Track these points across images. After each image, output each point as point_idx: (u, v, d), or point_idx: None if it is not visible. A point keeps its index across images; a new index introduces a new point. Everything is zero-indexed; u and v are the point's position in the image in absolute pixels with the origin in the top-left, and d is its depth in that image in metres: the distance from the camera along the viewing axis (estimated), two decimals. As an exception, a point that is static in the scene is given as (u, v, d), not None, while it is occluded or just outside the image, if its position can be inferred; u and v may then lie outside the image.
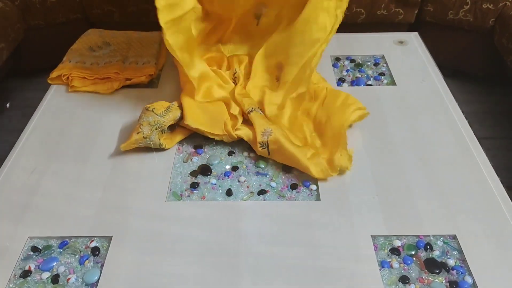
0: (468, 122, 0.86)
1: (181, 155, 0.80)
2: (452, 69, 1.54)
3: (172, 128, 0.82)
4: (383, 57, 1.04)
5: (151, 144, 0.78)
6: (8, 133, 1.44)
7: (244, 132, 0.80)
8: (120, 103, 0.91)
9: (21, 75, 1.65)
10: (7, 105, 1.57)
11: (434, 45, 1.56)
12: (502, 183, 0.73)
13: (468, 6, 1.41)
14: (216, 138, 0.80)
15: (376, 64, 1.02)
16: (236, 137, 0.80)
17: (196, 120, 0.80)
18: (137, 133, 0.77)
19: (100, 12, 1.53)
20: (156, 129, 0.77)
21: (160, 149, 0.79)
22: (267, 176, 0.76)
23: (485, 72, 1.54)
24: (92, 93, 0.93)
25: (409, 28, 1.53)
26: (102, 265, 0.62)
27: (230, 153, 0.80)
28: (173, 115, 0.80)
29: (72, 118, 0.87)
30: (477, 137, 0.82)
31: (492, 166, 0.76)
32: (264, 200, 0.71)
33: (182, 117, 0.80)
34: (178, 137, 0.82)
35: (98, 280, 0.60)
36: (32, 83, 1.61)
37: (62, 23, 1.54)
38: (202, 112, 0.82)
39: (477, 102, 1.53)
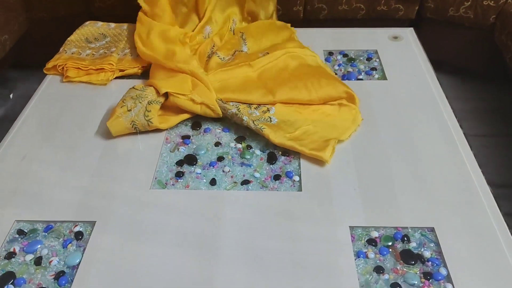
0: (465, 119, 0.86)
1: (169, 145, 0.81)
2: (452, 66, 1.53)
3: (166, 109, 0.84)
4: (376, 52, 1.04)
5: (137, 124, 0.80)
6: (11, 122, 1.47)
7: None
8: (113, 93, 0.92)
9: (24, 67, 1.67)
10: (11, 95, 1.60)
11: (435, 41, 1.55)
12: (498, 180, 0.73)
13: (469, 3, 1.40)
14: (185, 99, 0.83)
15: (368, 59, 1.02)
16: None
17: (165, 85, 0.84)
18: (121, 107, 0.80)
19: (102, 6, 1.55)
20: (140, 102, 0.80)
21: (147, 131, 0.81)
22: (252, 167, 0.77)
23: (485, 69, 1.53)
24: (86, 84, 0.95)
25: (410, 24, 1.52)
26: (84, 249, 0.64)
27: (217, 144, 0.81)
28: (152, 89, 0.83)
29: (65, 107, 0.89)
30: (475, 135, 0.82)
31: (490, 163, 0.76)
32: (247, 190, 0.72)
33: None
34: (173, 118, 0.84)
35: (79, 263, 0.62)
36: (35, 75, 1.63)
37: (65, 17, 1.56)
38: (168, 77, 0.87)
39: (476, 99, 1.52)
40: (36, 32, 1.55)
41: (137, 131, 0.81)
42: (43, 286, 0.60)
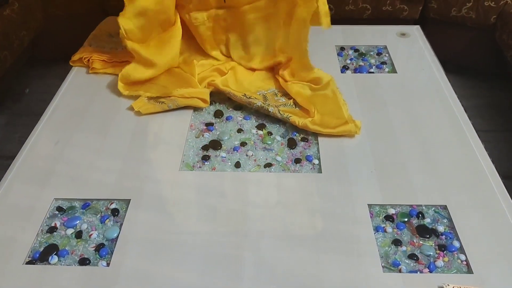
0: (470, 116, 0.91)
1: (194, 131, 0.86)
2: (455, 65, 1.59)
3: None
4: (385, 47, 1.09)
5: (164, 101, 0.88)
6: (27, 117, 1.51)
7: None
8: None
9: (40, 64, 1.72)
10: (27, 91, 1.64)
11: (438, 41, 1.60)
12: (501, 172, 0.78)
13: (471, 3, 1.46)
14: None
15: (378, 54, 1.07)
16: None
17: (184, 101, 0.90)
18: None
19: (116, 4, 1.60)
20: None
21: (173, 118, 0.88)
22: (273, 151, 0.81)
23: (487, 67, 1.59)
24: (112, 75, 1.00)
25: (414, 24, 1.58)
26: (121, 224, 0.68)
27: (239, 131, 0.86)
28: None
29: (93, 96, 0.94)
30: (478, 130, 0.87)
31: (493, 157, 0.81)
32: (270, 172, 0.77)
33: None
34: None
35: (118, 236, 0.66)
36: (51, 71, 1.69)
37: (80, 14, 1.61)
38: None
39: (479, 97, 1.58)
40: (51, 29, 1.59)
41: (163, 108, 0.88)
42: (85, 256, 0.64)
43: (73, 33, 1.37)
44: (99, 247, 0.65)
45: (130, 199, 0.72)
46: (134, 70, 0.92)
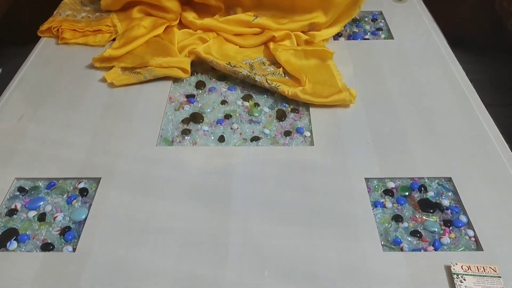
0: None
1: (173, 104, 0.78)
2: (453, 37, 1.52)
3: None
4: (381, 13, 1.01)
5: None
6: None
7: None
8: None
9: (14, 43, 1.62)
10: (0, 70, 1.55)
11: (435, 11, 1.53)
12: None
13: (469, -31, 1.38)
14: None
15: (374, 20, 0.99)
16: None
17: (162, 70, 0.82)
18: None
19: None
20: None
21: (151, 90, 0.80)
22: (260, 124, 0.74)
23: (486, 39, 1.52)
24: (83, 45, 0.91)
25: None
26: (90, 205, 0.61)
27: (223, 102, 0.78)
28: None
29: (62, 68, 0.86)
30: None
31: None
32: (257, 146, 0.70)
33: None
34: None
35: (86, 218, 0.59)
36: (25, 50, 1.59)
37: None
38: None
39: (478, 71, 1.50)
40: (21, 9, 1.49)
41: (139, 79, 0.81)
42: (49, 241, 0.57)
43: (44, 13, 1.27)
44: (64, 231, 0.58)
45: (100, 178, 0.64)
46: (115, 52, 0.85)
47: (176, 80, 0.83)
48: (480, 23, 1.48)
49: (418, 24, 0.97)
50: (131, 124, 0.74)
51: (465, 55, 1.53)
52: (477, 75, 1.45)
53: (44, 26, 0.94)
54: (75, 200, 0.62)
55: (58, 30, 0.93)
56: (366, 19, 1.00)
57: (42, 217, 0.60)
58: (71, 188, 0.64)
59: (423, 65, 0.85)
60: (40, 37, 0.94)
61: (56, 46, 0.92)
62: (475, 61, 1.54)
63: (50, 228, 0.58)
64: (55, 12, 0.99)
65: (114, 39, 0.91)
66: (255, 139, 0.71)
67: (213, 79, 0.84)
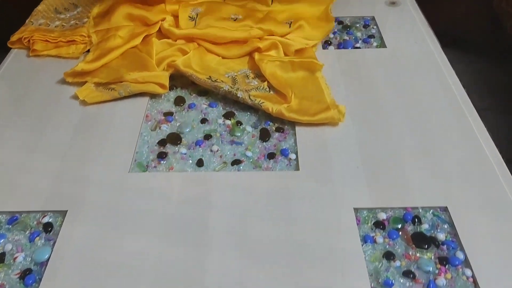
0: (466, 93, 0.79)
1: (149, 123, 0.73)
2: (451, 37, 1.46)
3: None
4: (373, 18, 0.96)
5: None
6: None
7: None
8: (85, 68, 0.83)
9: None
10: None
11: (431, 11, 1.47)
12: (501, 155, 0.67)
13: (467, -32, 1.32)
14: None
15: (365, 26, 0.94)
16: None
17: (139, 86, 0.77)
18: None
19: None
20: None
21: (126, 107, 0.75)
22: (243, 145, 0.69)
23: (484, 39, 1.46)
24: (56, 58, 0.86)
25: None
26: (54, 243, 0.56)
27: (203, 121, 0.73)
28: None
29: (31, 83, 0.80)
30: (476, 109, 0.76)
31: (493, 138, 0.70)
32: (238, 171, 0.65)
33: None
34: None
35: (49, 258, 0.54)
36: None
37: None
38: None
39: (474, 72, 1.45)
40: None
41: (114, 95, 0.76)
42: (7, 287, 0.52)
43: (20, 16, 1.21)
44: (25, 273, 0.53)
45: (67, 210, 0.59)
46: (88, 66, 0.79)
47: (153, 95, 0.77)
48: (477, 23, 1.42)
49: (412, 31, 0.91)
50: (103, 147, 0.68)
51: (462, 56, 1.49)
52: (472, 76, 1.40)
53: (15, 37, 0.88)
54: (38, 237, 0.57)
55: (29, 41, 0.87)
56: (358, 25, 0.94)
57: (1, 258, 0.55)
58: (35, 223, 0.59)
59: (418, 77, 0.80)
60: (10, 48, 0.89)
61: (27, 59, 0.86)
62: (471, 61, 1.48)
63: (9, 271, 0.53)
64: (27, 21, 0.93)
65: (88, 50, 0.86)
66: (236, 162, 0.66)
67: (193, 94, 0.78)
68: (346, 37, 0.91)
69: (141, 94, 0.77)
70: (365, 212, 0.59)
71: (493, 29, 1.38)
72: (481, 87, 1.39)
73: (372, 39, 0.90)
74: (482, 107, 1.33)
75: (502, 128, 1.28)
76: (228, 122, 0.73)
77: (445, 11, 1.43)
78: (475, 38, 1.47)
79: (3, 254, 0.55)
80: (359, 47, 0.88)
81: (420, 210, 0.59)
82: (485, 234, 0.55)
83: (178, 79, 0.81)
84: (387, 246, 0.55)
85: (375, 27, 0.94)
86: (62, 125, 0.72)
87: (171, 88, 0.79)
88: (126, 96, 0.76)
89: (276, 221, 0.58)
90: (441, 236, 0.56)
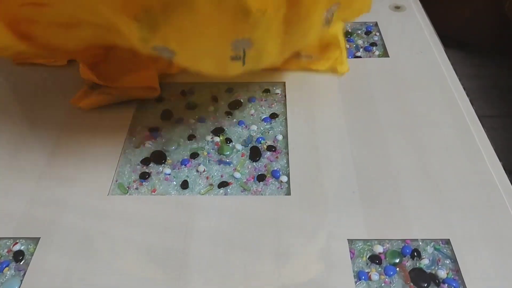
0: (472, 99, 0.74)
1: (133, 139, 0.69)
2: (457, 40, 1.40)
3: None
4: (376, 24, 0.91)
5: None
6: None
7: None
8: (71, 77, 0.78)
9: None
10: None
11: (437, 12, 1.42)
12: (504, 166, 0.62)
13: (477, -32, 1.26)
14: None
15: (367, 33, 0.89)
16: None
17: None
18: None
19: None
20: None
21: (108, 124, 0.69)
22: (231, 165, 0.64)
23: (493, 43, 1.40)
24: (39, 66, 0.81)
25: (410, -7, 1.38)
26: (25, 273, 0.52)
27: (190, 137, 0.69)
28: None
29: (10, 94, 0.76)
30: (480, 115, 0.71)
31: (497, 146, 0.66)
32: (225, 195, 0.61)
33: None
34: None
35: (17, 292, 0.50)
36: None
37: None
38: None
39: (483, 77, 1.39)
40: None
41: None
42: (-30, 324, 0.48)
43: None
44: (-10, 310, 0.49)
45: (39, 238, 0.55)
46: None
47: (139, 108, 0.73)
48: (486, 26, 1.36)
49: (418, 39, 0.86)
50: (83, 166, 0.64)
51: (469, 60, 1.43)
52: (481, 81, 1.34)
53: None
54: (7, 268, 0.53)
55: (12, 47, 0.83)
56: (359, 31, 0.89)
57: (-35, 291, 0.51)
58: (5, 251, 0.55)
59: (421, 91, 0.74)
60: None
61: (11, 67, 0.82)
62: (480, 64, 1.42)
63: (-26, 307, 0.50)
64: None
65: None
66: (223, 184, 0.62)
67: (181, 108, 0.74)
68: (347, 45, 0.86)
69: (127, 106, 0.73)
70: (360, 243, 0.54)
71: (504, 33, 1.32)
72: (486, 93, 1.33)
73: (374, 47, 0.85)
74: (489, 114, 1.27)
75: (505, 135, 1.23)
76: (217, 139, 0.68)
77: (453, 12, 1.38)
78: (483, 42, 1.41)
79: (-31, 286, 0.51)
80: (360, 56, 0.83)
81: (420, 243, 0.54)
82: (490, 273, 0.51)
83: (166, 90, 0.76)
84: (382, 284, 0.50)
85: (377, 34, 0.88)
86: (39, 141, 0.68)
87: (158, 100, 0.74)
88: (110, 107, 0.71)
89: (262, 253, 0.53)
90: (442, 274, 0.51)
